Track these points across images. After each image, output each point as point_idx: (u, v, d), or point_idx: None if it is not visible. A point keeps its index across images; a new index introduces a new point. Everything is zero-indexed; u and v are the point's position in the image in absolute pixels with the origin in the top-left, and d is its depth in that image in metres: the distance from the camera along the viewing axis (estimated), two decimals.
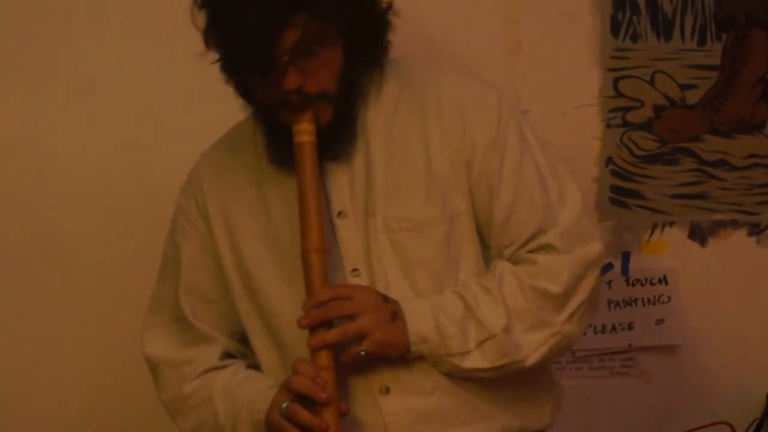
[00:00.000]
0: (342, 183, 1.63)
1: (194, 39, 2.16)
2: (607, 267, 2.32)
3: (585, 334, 2.28)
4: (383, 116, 1.64)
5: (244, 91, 1.63)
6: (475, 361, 1.57)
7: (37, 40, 2.17)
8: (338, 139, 1.61)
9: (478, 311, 1.58)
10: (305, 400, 1.52)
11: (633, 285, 2.38)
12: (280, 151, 1.62)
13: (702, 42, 2.35)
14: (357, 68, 1.59)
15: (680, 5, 2.34)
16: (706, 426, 2.40)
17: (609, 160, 2.36)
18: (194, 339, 1.71)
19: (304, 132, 1.56)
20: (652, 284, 2.40)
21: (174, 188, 2.09)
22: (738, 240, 2.43)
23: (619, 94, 2.35)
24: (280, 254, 1.65)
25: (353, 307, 1.54)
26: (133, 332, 2.20)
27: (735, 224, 2.42)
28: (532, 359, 1.60)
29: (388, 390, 1.60)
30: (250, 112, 1.69)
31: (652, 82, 2.36)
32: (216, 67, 2.19)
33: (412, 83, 1.67)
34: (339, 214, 1.62)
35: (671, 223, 2.40)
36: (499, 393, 1.63)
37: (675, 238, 2.41)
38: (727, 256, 2.43)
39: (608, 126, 2.36)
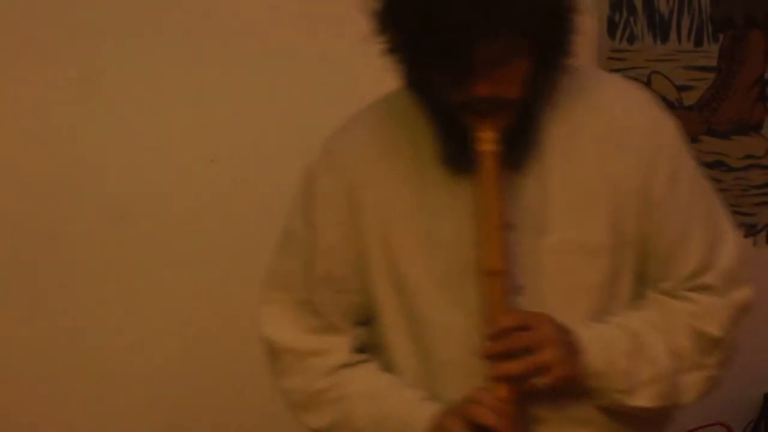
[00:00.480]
0: (513, 193, 1.55)
1: (193, 38, 2.17)
2: None
3: None
4: (562, 130, 1.57)
5: (422, 85, 1.52)
6: (642, 399, 1.54)
7: (40, 37, 2.16)
8: (516, 146, 1.53)
9: (645, 348, 1.54)
10: (478, 431, 1.47)
11: None
12: (456, 153, 1.52)
13: (698, 43, 2.36)
14: (543, 76, 1.51)
15: (677, 7, 2.35)
16: (703, 427, 2.40)
17: None
18: (322, 327, 1.64)
19: (489, 141, 1.48)
20: None
21: (176, 187, 2.09)
22: None
23: None
24: (440, 259, 1.57)
25: (534, 338, 1.48)
26: (130, 334, 2.22)
27: None
28: (686, 400, 1.57)
29: (544, 421, 1.56)
30: (398, 94, 1.57)
31: (648, 84, 2.36)
32: (216, 66, 2.20)
33: (595, 98, 1.60)
34: (508, 226, 1.54)
35: None
36: (647, 421, 1.60)
37: None
38: None
39: None
